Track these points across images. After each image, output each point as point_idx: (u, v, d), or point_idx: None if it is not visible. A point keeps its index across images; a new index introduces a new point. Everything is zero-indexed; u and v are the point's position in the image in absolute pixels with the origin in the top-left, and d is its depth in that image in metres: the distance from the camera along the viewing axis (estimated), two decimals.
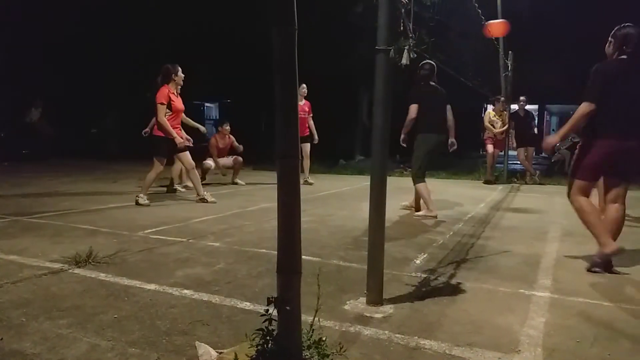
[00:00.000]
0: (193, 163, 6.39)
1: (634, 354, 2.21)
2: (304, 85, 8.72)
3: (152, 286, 3.01)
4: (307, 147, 9.01)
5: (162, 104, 6.06)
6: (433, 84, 5.84)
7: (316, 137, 9.03)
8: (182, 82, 6.35)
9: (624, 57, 3.55)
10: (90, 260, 3.46)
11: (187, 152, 6.33)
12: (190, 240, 4.28)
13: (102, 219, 5.18)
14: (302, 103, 8.82)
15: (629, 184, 3.78)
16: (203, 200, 6.42)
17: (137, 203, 6.10)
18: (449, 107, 5.95)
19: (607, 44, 3.67)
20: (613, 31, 3.62)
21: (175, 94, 6.29)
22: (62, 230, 4.58)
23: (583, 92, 3.57)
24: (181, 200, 6.75)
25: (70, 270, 3.29)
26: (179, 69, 6.28)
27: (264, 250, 3.95)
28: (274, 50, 1.75)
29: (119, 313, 2.56)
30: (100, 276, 3.19)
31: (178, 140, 6.14)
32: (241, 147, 8.92)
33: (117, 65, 16.14)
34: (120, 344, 2.20)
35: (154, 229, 4.70)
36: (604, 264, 3.51)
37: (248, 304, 2.74)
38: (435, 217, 5.62)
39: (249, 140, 15.18)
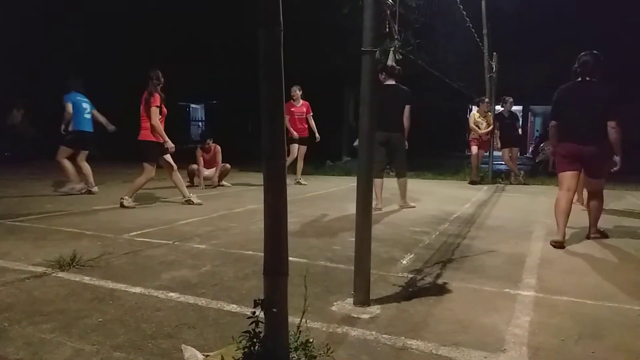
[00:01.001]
0: (174, 166, 6.36)
1: (617, 352, 2.24)
2: (298, 87, 8.77)
3: (137, 289, 2.98)
4: (303, 149, 9.03)
5: (157, 107, 6.03)
6: (390, 83, 6.05)
7: (317, 135, 9.03)
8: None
9: (579, 79, 4.47)
10: (74, 264, 3.41)
11: (169, 155, 6.30)
12: (176, 243, 4.24)
13: (86, 222, 5.12)
14: (300, 104, 8.84)
15: (599, 180, 4.62)
16: (189, 202, 6.39)
17: (122, 205, 6.04)
18: (407, 107, 6.08)
19: (573, 68, 4.54)
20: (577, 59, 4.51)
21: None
22: (45, 234, 4.52)
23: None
24: (167, 203, 6.70)
25: (54, 274, 3.25)
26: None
27: (250, 252, 3.93)
28: (259, 51, 1.74)
29: (103, 317, 2.53)
30: (85, 279, 3.15)
31: (169, 144, 6.10)
32: (229, 167, 8.93)
33: (98, 66, 15.99)
34: (105, 348, 2.18)
35: (139, 232, 4.65)
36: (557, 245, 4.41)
37: (235, 306, 2.73)
38: (380, 209, 6.02)
39: (235, 141, 15.19)
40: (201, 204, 6.38)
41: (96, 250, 3.90)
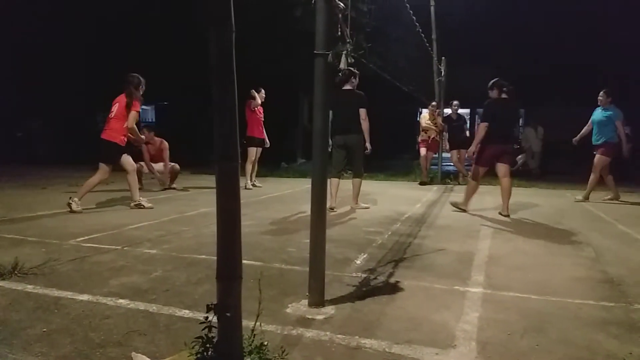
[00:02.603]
0: (134, 165, 6.35)
1: (560, 344, 2.36)
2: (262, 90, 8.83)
3: (84, 297, 2.87)
4: (259, 151, 8.98)
5: (137, 112, 6.18)
6: (346, 88, 6.30)
7: (267, 141, 9.07)
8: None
9: (504, 95, 6.20)
10: (16, 272, 3.25)
11: (129, 155, 6.31)
12: (125, 248, 4.12)
13: (30, 228, 4.89)
14: (259, 106, 8.81)
15: (511, 166, 6.34)
16: (139, 205, 6.21)
17: (70, 208, 5.81)
18: (363, 110, 6.27)
19: (490, 90, 6.31)
20: (494, 82, 6.31)
21: None
22: None
23: (481, 117, 6.46)
24: (116, 207, 6.49)
25: None
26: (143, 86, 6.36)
27: (203, 256, 3.87)
28: (210, 51, 1.73)
29: (48, 326, 2.42)
30: (28, 288, 3.01)
31: (142, 140, 6.59)
32: (178, 167, 8.77)
33: (42, 68, 15.34)
34: (50, 359, 2.09)
35: (86, 237, 4.48)
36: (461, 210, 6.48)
37: (187, 311, 2.68)
38: (333, 209, 6.35)
39: (187, 143, 14.89)
40: (152, 208, 6.22)
41: (40, 257, 3.72)
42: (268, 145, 9.05)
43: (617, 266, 3.81)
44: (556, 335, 2.45)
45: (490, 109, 6.23)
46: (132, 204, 6.25)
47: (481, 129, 6.11)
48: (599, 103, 7.79)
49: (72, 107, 16.70)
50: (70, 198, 5.93)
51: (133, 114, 6.06)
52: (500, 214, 6.20)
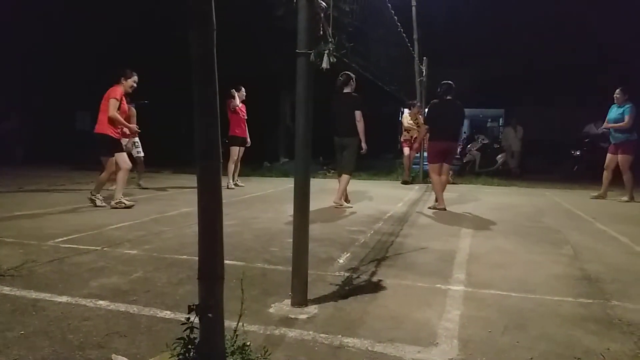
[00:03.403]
0: (130, 164, 6.41)
1: (539, 340, 2.39)
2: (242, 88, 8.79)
3: (63, 298, 2.82)
4: (242, 150, 8.93)
5: (115, 99, 6.10)
6: (346, 91, 6.57)
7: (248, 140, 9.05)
8: (129, 90, 6.41)
9: (447, 97, 6.56)
10: None
11: (124, 153, 6.46)
12: (105, 249, 4.06)
13: (7, 229, 4.78)
14: (240, 105, 8.76)
15: (449, 164, 6.82)
16: (120, 204, 6.12)
17: (94, 204, 6.13)
18: (357, 112, 6.44)
19: (439, 90, 6.68)
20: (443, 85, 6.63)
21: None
22: None
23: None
24: (96, 207, 6.37)
25: None
26: (135, 76, 6.36)
27: (185, 256, 3.84)
28: (192, 50, 1.71)
29: (26, 329, 2.38)
30: (4, 290, 2.94)
31: (133, 129, 6.66)
32: (142, 154, 8.57)
33: (19, 67, 15.03)
34: None
35: (65, 238, 4.40)
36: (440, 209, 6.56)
37: (168, 312, 2.65)
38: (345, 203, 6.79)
39: (168, 142, 14.73)
40: (132, 206, 6.15)
41: (17, 258, 3.64)
42: (249, 145, 9.01)
43: (595, 263, 3.89)
44: (536, 332, 2.49)
45: (432, 110, 6.83)
46: (112, 202, 6.17)
47: (422, 129, 6.93)
48: (615, 101, 7.80)
49: (50, 107, 16.43)
50: (90, 193, 6.22)
51: (112, 102, 6.04)
52: (429, 207, 6.68)
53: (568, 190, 9.59)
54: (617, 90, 7.77)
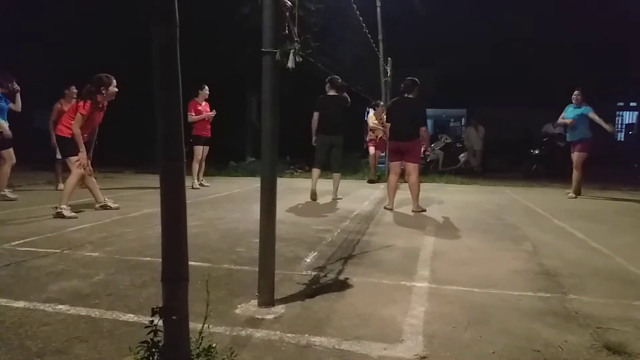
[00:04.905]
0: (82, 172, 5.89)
1: (501, 334, 2.46)
2: (206, 87, 8.71)
3: (20, 303, 2.72)
4: (207, 149, 8.83)
5: (83, 115, 5.55)
6: (331, 93, 7.29)
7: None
8: (112, 97, 5.83)
9: (404, 95, 6.50)
10: None
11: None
12: (65, 251, 3.93)
13: None
14: (204, 104, 8.65)
15: (415, 162, 6.48)
16: (105, 207, 6.01)
17: (63, 217, 5.38)
18: (343, 109, 7.21)
19: (401, 87, 6.56)
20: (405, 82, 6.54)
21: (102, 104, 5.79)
22: None
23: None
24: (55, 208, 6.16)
25: None
26: (114, 81, 5.75)
27: (148, 258, 3.76)
28: (153, 48, 1.67)
29: None
30: None
31: (83, 157, 5.57)
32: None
33: None
34: None
35: (21, 241, 4.24)
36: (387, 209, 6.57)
37: (132, 315, 2.59)
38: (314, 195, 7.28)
39: (130, 141, 14.39)
40: (111, 208, 6.02)
41: None
42: (214, 114, 8.78)
43: (553, 259, 4.02)
44: (497, 326, 2.55)
45: (390, 108, 6.82)
46: (97, 206, 6.03)
47: (386, 128, 6.80)
48: (573, 102, 8.12)
49: None
50: (55, 208, 5.48)
51: (77, 117, 5.55)
52: (412, 211, 6.39)
53: (527, 188, 9.88)
54: (576, 92, 8.09)
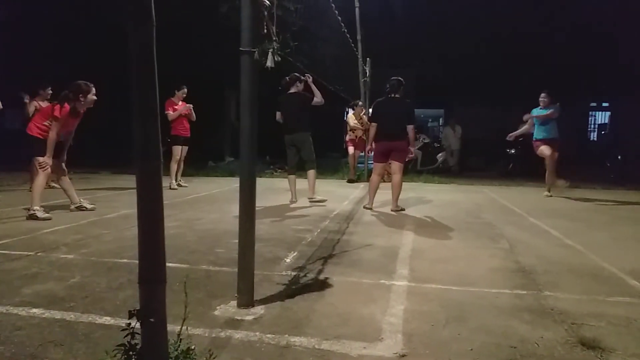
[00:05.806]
0: (65, 169, 5.87)
1: (479, 332, 2.49)
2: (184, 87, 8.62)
3: None
4: (185, 149, 8.75)
5: (58, 119, 5.40)
6: (292, 92, 6.92)
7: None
8: (91, 105, 5.71)
9: (391, 95, 6.46)
10: None
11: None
12: (39, 254, 3.85)
13: None
14: (180, 104, 8.56)
15: (401, 162, 6.45)
16: (81, 208, 5.89)
17: (37, 218, 5.25)
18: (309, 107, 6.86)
19: (387, 87, 6.50)
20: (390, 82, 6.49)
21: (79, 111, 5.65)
22: None
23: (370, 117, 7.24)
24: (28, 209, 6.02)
25: None
26: (93, 89, 5.63)
27: (125, 260, 3.70)
28: (130, 47, 1.65)
29: None
30: None
31: (47, 161, 5.43)
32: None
33: None
34: None
35: None
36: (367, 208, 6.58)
37: (108, 318, 2.55)
38: (295, 201, 7.03)
39: (107, 141, 14.16)
40: (87, 209, 5.92)
41: None
42: (191, 106, 8.70)
43: (529, 256, 4.09)
44: (475, 324, 2.59)
45: (376, 108, 6.64)
46: (72, 207, 5.91)
47: (371, 128, 6.57)
48: (541, 104, 8.17)
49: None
50: (28, 209, 5.36)
51: (54, 123, 5.39)
52: (391, 210, 6.41)
53: (504, 187, 10.05)
54: (543, 94, 8.14)
